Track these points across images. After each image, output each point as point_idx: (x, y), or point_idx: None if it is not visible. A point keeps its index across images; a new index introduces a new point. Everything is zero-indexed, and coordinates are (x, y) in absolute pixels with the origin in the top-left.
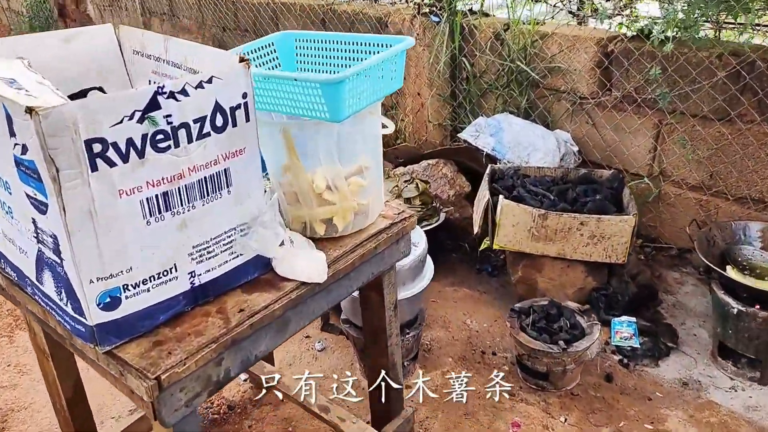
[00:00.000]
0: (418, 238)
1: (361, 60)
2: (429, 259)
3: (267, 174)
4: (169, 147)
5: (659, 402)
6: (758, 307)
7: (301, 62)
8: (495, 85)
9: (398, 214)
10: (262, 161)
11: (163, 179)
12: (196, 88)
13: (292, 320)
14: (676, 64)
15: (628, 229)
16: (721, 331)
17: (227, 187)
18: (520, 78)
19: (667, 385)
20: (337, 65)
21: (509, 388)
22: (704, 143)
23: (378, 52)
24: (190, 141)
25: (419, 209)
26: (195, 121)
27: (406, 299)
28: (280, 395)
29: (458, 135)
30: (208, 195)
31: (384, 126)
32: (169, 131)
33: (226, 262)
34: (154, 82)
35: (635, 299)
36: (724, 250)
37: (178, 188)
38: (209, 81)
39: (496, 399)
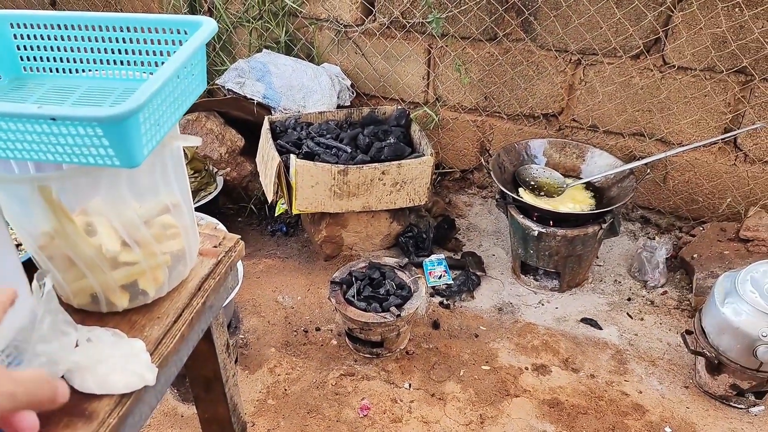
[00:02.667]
0: None
1: (131, 54)
2: (240, 264)
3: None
4: None
5: (486, 337)
6: (552, 224)
7: (27, 62)
8: (245, 17)
9: (219, 245)
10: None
11: None
12: None
13: None
14: None
15: (427, 170)
16: (523, 252)
17: None
18: (274, 7)
19: (487, 316)
20: (93, 62)
21: (349, 370)
22: (476, 65)
23: (155, 40)
24: None
25: (192, 179)
26: None
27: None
28: None
29: (217, 82)
30: None
31: (186, 146)
32: None
33: None
34: None
35: (437, 233)
36: (514, 172)
37: None
38: None
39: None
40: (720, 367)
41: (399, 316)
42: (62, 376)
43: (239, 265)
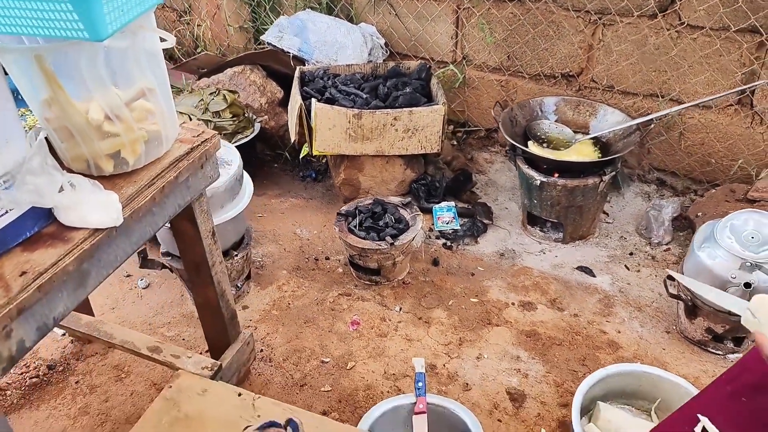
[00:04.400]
0: (231, 156)
1: None
2: (246, 176)
3: (30, 110)
4: None
5: (481, 276)
6: (557, 175)
7: None
8: None
9: (197, 136)
10: (19, 96)
11: None
12: None
13: (92, 272)
14: None
15: (438, 118)
16: (528, 202)
17: None
18: None
19: (487, 259)
20: None
21: (347, 291)
22: (500, 25)
23: None
24: None
25: (231, 122)
26: None
27: (228, 221)
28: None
29: (261, 38)
30: None
31: (163, 40)
32: None
33: None
34: None
35: (452, 184)
36: (525, 127)
37: None
38: None
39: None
40: (696, 310)
41: (393, 244)
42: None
43: (247, 179)
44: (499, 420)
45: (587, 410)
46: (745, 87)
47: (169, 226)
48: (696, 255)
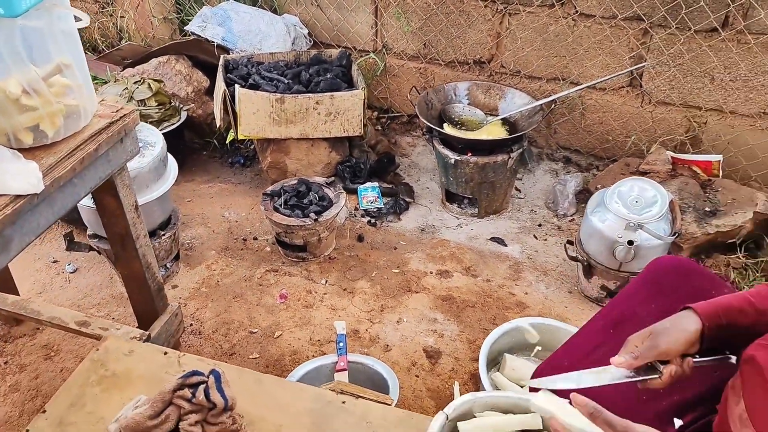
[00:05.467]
0: (154, 138)
1: None
2: (171, 158)
3: None
4: None
5: (403, 249)
6: (470, 154)
7: None
8: None
9: (116, 111)
10: None
11: None
12: None
13: (14, 238)
14: None
15: (359, 102)
16: (445, 180)
17: None
18: None
19: (409, 234)
20: None
21: (274, 267)
22: (416, 15)
23: None
24: None
25: (157, 110)
26: None
27: (154, 201)
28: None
29: (185, 28)
30: None
31: (78, 19)
32: None
33: None
34: None
35: (377, 166)
36: (441, 110)
37: None
38: None
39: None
40: (591, 270)
41: (317, 220)
42: None
43: (172, 161)
44: (417, 375)
45: (496, 362)
46: (631, 68)
47: (94, 205)
48: (589, 219)
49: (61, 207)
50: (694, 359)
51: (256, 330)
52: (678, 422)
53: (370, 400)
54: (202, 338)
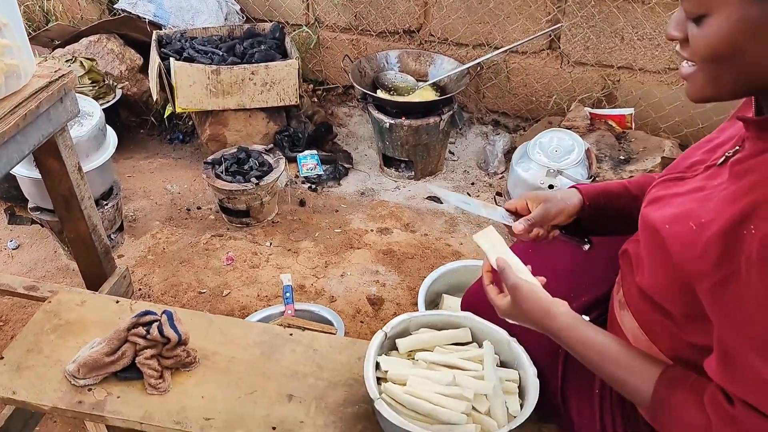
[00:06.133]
0: (92, 109)
1: None
2: (110, 129)
3: None
4: None
5: (344, 212)
6: (403, 117)
7: None
8: None
9: (55, 72)
10: None
11: None
12: None
13: None
14: None
15: (293, 72)
16: (382, 145)
17: None
18: None
19: (349, 198)
20: None
21: (219, 232)
22: None
23: None
24: None
25: (91, 88)
26: None
27: (95, 170)
28: None
29: (115, 6)
30: None
31: None
32: None
33: None
34: None
35: (315, 136)
36: (374, 78)
37: None
38: None
39: (205, 243)
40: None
41: (258, 184)
42: None
43: (111, 131)
44: (361, 321)
45: (435, 303)
46: (547, 30)
47: (35, 174)
48: (514, 170)
49: (6, 163)
50: (561, 233)
51: (204, 290)
52: (585, 318)
53: (316, 331)
54: (151, 300)
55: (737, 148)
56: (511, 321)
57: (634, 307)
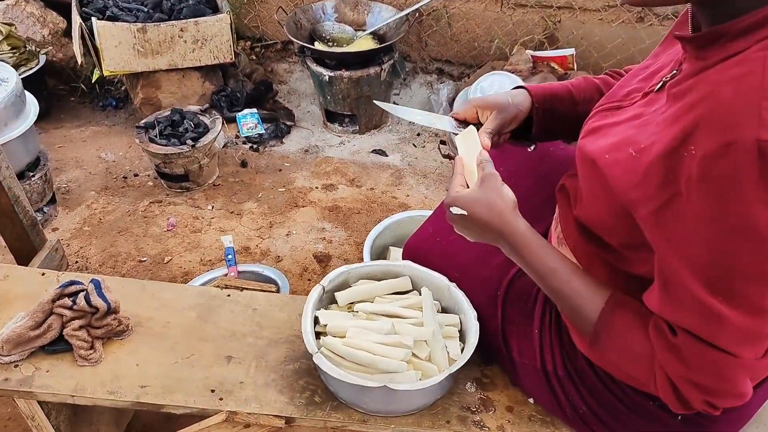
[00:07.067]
0: (6, 74)
1: None
2: (30, 96)
3: None
4: None
5: (288, 170)
6: (343, 69)
7: None
8: None
9: None
10: None
11: None
12: None
13: None
14: None
15: (225, 27)
16: (323, 100)
17: None
18: None
19: (293, 156)
20: None
21: (158, 199)
22: None
23: None
24: None
25: (10, 54)
26: None
27: (16, 140)
28: None
29: None
30: None
31: None
32: None
33: None
34: None
35: (254, 95)
36: (311, 30)
37: None
38: None
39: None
40: None
41: (194, 147)
42: None
43: (31, 98)
44: (309, 279)
45: (383, 257)
46: None
47: None
48: None
49: None
50: (509, 138)
51: (145, 258)
52: None
53: (255, 290)
54: (89, 272)
55: (674, 72)
56: (457, 211)
57: (572, 242)
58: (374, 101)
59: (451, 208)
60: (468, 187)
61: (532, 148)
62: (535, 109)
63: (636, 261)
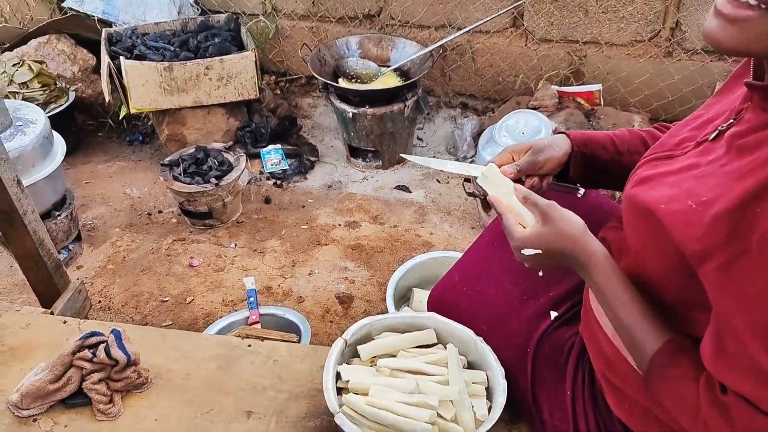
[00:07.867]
0: (35, 116)
1: None
2: (58, 136)
3: None
4: None
5: (311, 207)
6: (367, 106)
7: None
8: None
9: None
10: None
11: None
12: None
13: None
14: None
15: (250, 64)
16: (347, 135)
17: None
18: None
19: (316, 192)
20: None
21: (181, 236)
22: None
23: None
24: None
25: (41, 92)
26: None
27: (43, 180)
28: None
29: (63, 4)
30: None
31: None
32: None
33: None
34: None
35: (278, 130)
36: (335, 66)
37: None
38: None
39: (167, 249)
40: (487, 203)
41: (218, 185)
42: None
43: (58, 138)
44: (331, 321)
45: (407, 298)
46: (509, 8)
47: None
48: (480, 155)
49: None
50: (553, 180)
51: (167, 298)
52: (554, 314)
53: (275, 340)
54: (111, 313)
55: (731, 120)
56: (530, 252)
57: None
58: (402, 155)
59: (522, 251)
60: (521, 224)
61: (581, 193)
62: (574, 153)
63: (684, 320)
